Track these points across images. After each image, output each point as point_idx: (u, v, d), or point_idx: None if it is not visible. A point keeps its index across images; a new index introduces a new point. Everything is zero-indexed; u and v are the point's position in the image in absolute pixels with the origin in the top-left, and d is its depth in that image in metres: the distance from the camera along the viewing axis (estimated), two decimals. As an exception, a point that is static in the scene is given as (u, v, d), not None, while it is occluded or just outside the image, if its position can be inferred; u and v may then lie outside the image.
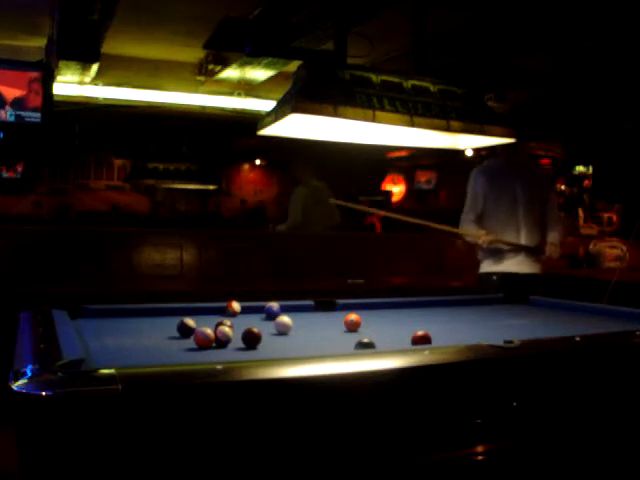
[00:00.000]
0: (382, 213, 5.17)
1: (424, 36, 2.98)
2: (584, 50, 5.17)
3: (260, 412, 1.35)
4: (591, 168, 9.73)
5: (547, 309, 2.95)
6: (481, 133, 2.75)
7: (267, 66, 5.54)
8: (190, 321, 2.08)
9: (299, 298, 2.79)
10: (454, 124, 2.66)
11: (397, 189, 12.09)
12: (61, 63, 5.23)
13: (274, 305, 2.56)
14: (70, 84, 6.06)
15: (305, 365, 1.49)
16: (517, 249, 3.91)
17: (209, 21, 4.95)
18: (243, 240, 5.62)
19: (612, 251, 6.37)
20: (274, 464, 1.36)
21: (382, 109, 2.53)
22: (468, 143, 3.12)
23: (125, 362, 1.52)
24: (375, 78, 2.63)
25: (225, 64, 5.74)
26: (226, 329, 1.96)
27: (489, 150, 3.91)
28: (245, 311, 2.59)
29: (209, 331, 1.94)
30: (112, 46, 5.41)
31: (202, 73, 6.10)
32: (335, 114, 2.46)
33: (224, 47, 5.32)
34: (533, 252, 3.94)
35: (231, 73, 5.87)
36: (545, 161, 10.10)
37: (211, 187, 10.09)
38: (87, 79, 5.98)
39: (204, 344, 1.91)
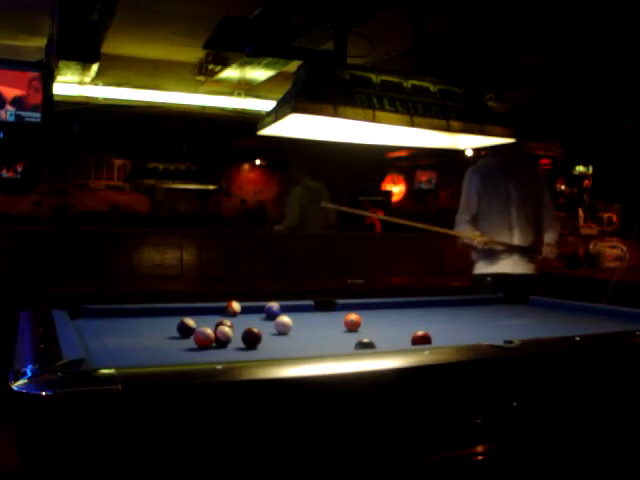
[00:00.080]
0: (369, 214, 5.16)
1: (424, 36, 2.98)
2: (584, 50, 5.17)
3: (260, 412, 1.35)
4: (591, 168, 9.74)
5: (547, 309, 2.95)
6: (481, 133, 2.75)
7: (267, 66, 5.54)
8: (190, 321, 2.08)
9: (299, 298, 2.79)
10: (454, 124, 2.66)
11: (397, 189, 12.09)
12: (61, 63, 5.23)
13: (274, 305, 2.56)
14: (70, 84, 6.06)
15: (305, 365, 1.49)
16: (511, 250, 3.89)
17: (209, 21, 4.95)
18: (243, 240, 5.62)
19: (612, 251, 6.37)
20: (274, 464, 1.37)
21: (382, 109, 2.53)
22: (468, 143, 3.12)
23: (125, 362, 1.52)
24: (375, 78, 2.63)
25: (225, 64, 5.74)
26: (226, 329, 1.96)
27: (489, 150, 3.89)
28: (245, 311, 2.59)
29: (209, 331, 1.94)
30: (112, 46, 5.42)
31: (202, 73, 6.10)
32: (335, 114, 2.46)
33: (224, 47, 5.32)
34: (528, 252, 3.92)
35: (231, 73, 5.87)
36: (545, 161, 10.10)
37: (211, 187, 10.10)
38: (87, 79, 5.98)
39: (204, 344, 1.91)
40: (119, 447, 1.22)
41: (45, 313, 2.13)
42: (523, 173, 4.04)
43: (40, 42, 5.08)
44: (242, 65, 5.58)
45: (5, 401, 1.23)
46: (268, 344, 1.97)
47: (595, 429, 1.77)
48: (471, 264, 4.06)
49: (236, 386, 1.37)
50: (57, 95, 5.17)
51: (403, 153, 10.45)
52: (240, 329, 1.96)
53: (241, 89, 6.59)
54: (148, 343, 2.03)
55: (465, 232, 3.96)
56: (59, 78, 5.61)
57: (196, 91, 6.68)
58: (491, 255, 3.92)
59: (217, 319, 2.13)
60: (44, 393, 1.21)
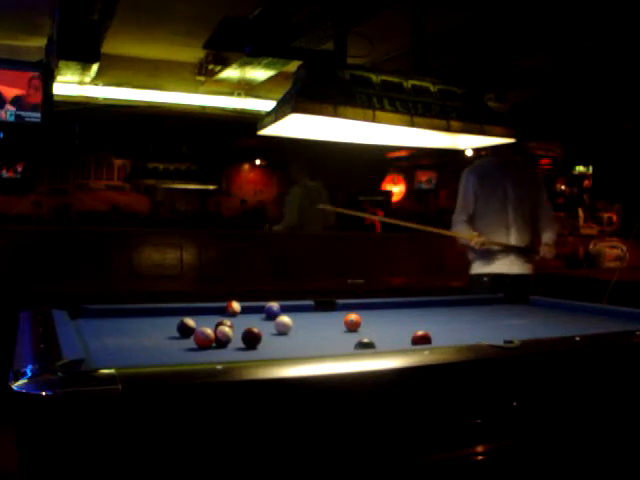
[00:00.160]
0: (366, 215, 5.16)
1: (424, 36, 2.98)
2: (584, 50, 5.17)
3: (260, 412, 1.35)
4: (591, 168, 9.74)
5: (547, 309, 2.95)
6: (481, 133, 2.75)
7: (267, 66, 5.54)
8: (190, 321, 2.08)
9: (299, 298, 2.79)
10: (454, 124, 2.66)
11: (397, 189, 12.09)
12: (61, 63, 5.23)
13: (274, 305, 2.56)
14: (70, 84, 6.06)
15: (305, 365, 1.49)
16: (508, 250, 3.88)
17: (209, 21, 4.95)
18: (243, 240, 5.62)
19: (612, 251, 6.37)
20: (274, 464, 1.37)
21: (382, 109, 2.53)
22: (468, 143, 3.12)
23: (125, 362, 1.52)
24: (375, 78, 2.63)
25: (225, 64, 5.74)
26: (226, 329, 1.96)
27: (489, 150, 3.89)
28: (245, 311, 2.59)
29: (209, 331, 1.94)
30: (112, 46, 5.42)
31: (202, 73, 6.11)
32: (335, 114, 2.46)
33: (224, 47, 5.32)
34: (525, 253, 3.90)
35: (231, 73, 5.87)
36: (545, 161, 10.11)
37: (211, 187, 10.10)
38: (87, 79, 5.98)
39: (204, 344, 1.91)
40: (119, 447, 1.22)
41: (45, 313, 2.13)
42: (520, 173, 4.02)
43: (40, 42, 5.09)
44: (242, 65, 5.58)
45: (5, 401, 1.23)
46: (268, 344, 1.97)
47: (595, 429, 1.77)
48: (468, 264, 4.05)
49: (236, 386, 1.37)
50: (57, 95, 5.18)
51: (403, 153, 10.45)
52: (240, 329, 1.96)
53: (241, 89, 6.60)
54: (148, 343, 2.02)
55: (462, 232, 3.94)
56: (59, 78, 5.61)
57: (196, 91, 6.69)
58: (488, 255, 3.90)
59: (217, 319, 2.13)
60: (44, 393, 1.21)
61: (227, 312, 2.54)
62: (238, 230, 8.34)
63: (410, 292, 4.34)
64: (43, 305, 2.24)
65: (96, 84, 6.30)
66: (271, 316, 2.44)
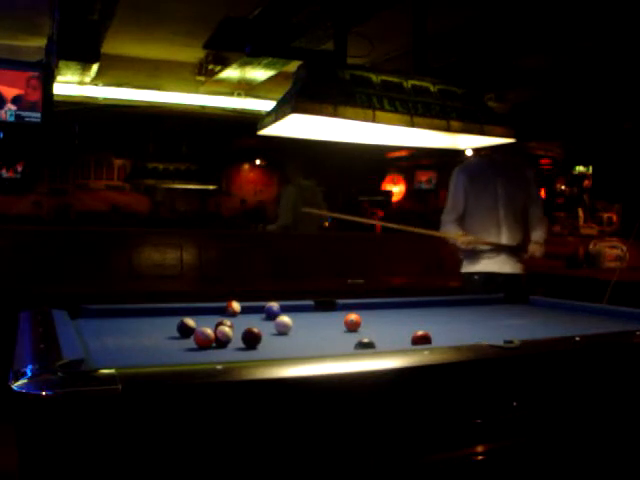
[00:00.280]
0: (346, 217, 5.16)
1: (424, 36, 2.98)
2: (584, 50, 5.17)
3: (260, 412, 1.35)
4: (591, 168, 9.74)
5: (547, 309, 2.95)
6: (481, 133, 2.75)
7: (267, 66, 5.54)
8: (190, 321, 2.08)
9: (299, 298, 2.79)
10: (454, 124, 2.66)
11: (397, 189, 12.10)
12: (61, 63, 5.24)
13: (274, 305, 2.56)
14: (70, 84, 6.06)
15: (305, 365, 1.49)
16: (499, 249, 3.85)
17: (209, 21, 4.96)
18: (243, 240, 5.62)
19: (612, 251, 6.37)
20: (274, 464, 1.37)
21: (382, 109, 2.53)
22: (468, 143, 3.12)
23: (125, 362, 1.52)
24: (375, 78, 2.63)
25: (225, 64, 5.74)
26: (226, 329, 1.96)
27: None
28: (245, 311, 2.58)
29: (209, 331, 1.93)
30: (112, 46, 5.42)
31: (202, 73, 6.11)
32: (335, 114, 2.46)
33: (224, 47, 5.32)
34: (514, 251, 3.86)
35: (231, 73, 5.87)
36: (545, 161, 10.11)
37: (211, 187, 10.11)
38: (87, 79, 5.99)
39: (204, 344, 1.91)
40: (119, 447, 1.22)
41: (45, 313, 2.13)
42: (511, 171, 3.98)
43: (40, 42, 5.09)
44: (242, 65, 5.58)
45: (5, 401, 1.23)
46: (268, 344, 1.97)
47: (595, 429, 1.77)
48: (459, 262, 4.02)
49: (236, 386, 1.37)
50: (57, 95, 5.18)
51: (403, 153, 10.45)
52: (240, 329, 1.96)
53: (241, 89, 6.60)
54: (148, 343, 2.02)
55: (449, 232, 3.91)
56: (59, 78, 5.62)
57: (196, 91, 6.69)
58: (479, 254, 3.86)
59: (217, 319, 2.13)
60: (44, 393, 1.21)
61: (227, 312, 2.54)
62: (238, 230, 8.34)
63: (410, 292, 4.34)
64: (43, 305, 2.24)
65: (96, 84, 6.30)
66: (271, 316, 2.44)
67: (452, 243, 3.95)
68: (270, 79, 5.96)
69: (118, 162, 10.80)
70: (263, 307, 2.58)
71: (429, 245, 5.77)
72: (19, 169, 9.66)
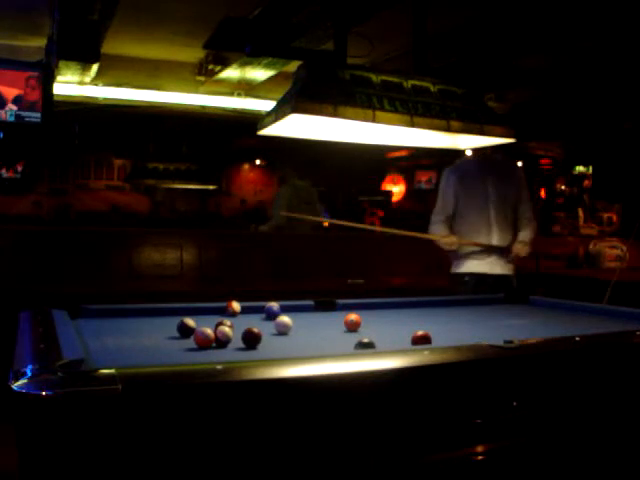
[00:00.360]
0: (336, 222, 5.16)
1: (424, 36, 2.98)
2: (584, 50, 5.17)
3: (260, 412, 1.35)
4: (591, 168, 9.75)
5: (547, 309, 2.95)
6: (481, 133, 2.75)
7: (267, 66, 5.54)
8: (190, 321, 2.08)
9: (299, 298, 2.79)
10: (454, 124, 2.66)
11: (397, 189, 12.10)
12: (61, 63, 5.24)
13: (274, 305, 2.56)
14: (70, 84, 6.06)
15: (305, 365, 1.49)
16: (488, 249, 3.80)
17: (209, 21, 4.96)
18: (243, 240, 5.62)
19: (612, 251, 6.37)
20: (274, 464, 1.37)
21: (382, 109, 2.53)
22: (468, 143, 3.12)
23: (125, 362, 1.52)
24: (375, 78, 2.63)
25: (225, 64, 5.74)
26: (226, 329, 1.96)
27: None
28: (245, 311, 2.58)
29: (209, 331, 1.93)
30: (112, 46, 5.42)
31: (202, 73, 6.11)
32: (335, 114, 2.46)
33: (224, 47, 5.33)
34: (500, 252, 3.80)
35: (231, 73, 5.88)
36: (545, 161, 10.11)
37: (211, 187, 10.10)
38: (87, 79, 5.99)
39: (204, 344, 1.91)
40: (119, 447, 1.22)
41: (45, 313, 2.13)
42: (501, 171, 3.93)
43: (40, 42, 5.09)
44: (242, 65, 5.59)
45: (5, 401, 1.23)
46: (268, 344, 1.97)
47: (595, 429, 1.77)
48: (449, 263, 3.99)
49: (236, 386, 1.37)
50: (57, 95, 5.18)
51: (403, 153, 10.45)
52: (240, 329, 1.96)
53: (241, 89, 6.60)
54: (148, 343, 2.02)
55: (435, 232, 3.88)
56: (59, 78, 5.62)
57: (196, 91, 6.69)
58: (469, 255, 3.83)
59: (217, 319, 2.13)
60: (44, 393, 1.21)
61: (227, 312, 2.54)
62: (238, 230, 8.34)
63: (410, 292, 4.34)
64: (43, 305, 2.24)
65: (96, 84, 6.30)
66: (271, 316, 2.44)
67: (437, 244, 3.91)
68: (270, 79, 5.96)
69: (118, 162, 10.80)
70: (263, 307, 2.58)
71: (429, 245, 5.76)
72: (19, 169, 9.66)
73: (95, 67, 5.55)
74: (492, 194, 3.82)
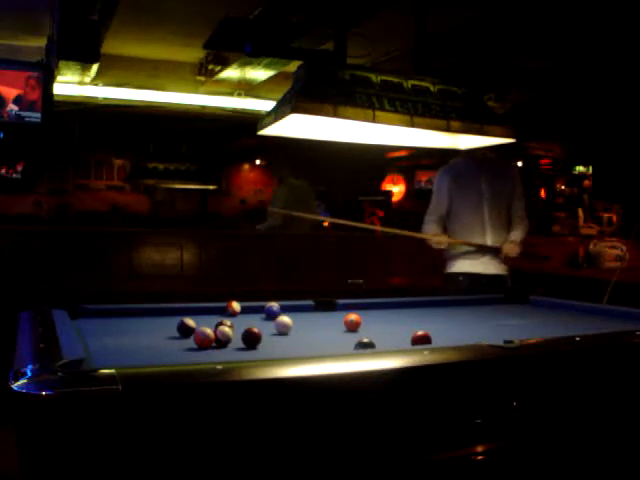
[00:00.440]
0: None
1: (424, 36, 2.98)
2: (584, 50, 5.17)
3: (260, 412, 1.35)
4: (591, 168, 9.75)
5: (547, 309, 2.95)
6: (481, 133, 2.75)
7: (267, 66, 5.54)
8: (190, 321, 2.08)
9: (299, 298, 2.79)
10: (454, 124, 2.66)
11: (397, 189, 12.10)
12: (61, 63, 5.24)
13: (274, 305, 2.56)
14: (70, 84, 6.07)
15: (305, 365, 1.49)
16: (482, 249, 3.76)
17: (209, 21, 4.96)
18: (243, 240, 5.62)
19: (612, 251, 6.37)
20: (274, 464, 1.36)
21: (382, 109, 2.53)
22: (468, 143, 3.11)
23: (125, 362, 1.52)
24: (375, 78, 2.63)
25: (225, 64, 5.75)
26: (226, 329, 1.96)
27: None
28: (245, 311, 2.58)
29: (209, 331, 1.93)
30: (112, 46, 5.42)
31: (202, 73, 6.11)
32: (335, 114, 2.46)
33: (224, 47, 5.33)
34: (491, 252, 3.77)
35: (231, 73, 5.88)
36: (545, 161, 10.12)
37: (211, 187, 10.10)
38: (87, 79, 5.99)
39: (204, 344, 1.91)
40: (119, 447, 1.22)
41: (45, 313, 2.13)
42: (496, 170, 3.90)
43: (40, 42, 5.09)
44: (242, 65, 5.59)
45: (5, 401, 1.23)
46: (268, 344, 1.97)
47: (595, 429, 1.77)
48: (443, 262, 3.97)
49: (236, 386, 1.37)
50: (57, 95, 5.18)
51: (403, 153, 10.45)
52: (240, 329, 1.96)
53: (241, 89, 6.60)
54: (148, 343, 2.02)
55: (426, 232, 3.86)
56: (59, 78, 5.62)
57: (196, 91, 6.69)
58: (463, 255, 3.80)
59: (217, 319, 2.13)
60: (44, 393, 1.21)
61: (227, 312, 2.54)
62: (238, 230, 8.34)
63: (410, 292, 4.34)
64: (43, 305, 2.24)
65: (96, 84, 6.30)
66: (271, 316, 2.44)
67: (428, 243, 3.89)
68: (270, 79, 5.96)
69: (118, 162, 10.80)
70: (263, 307, 2.58)
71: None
72: (19, 169, 9.66)
73: (95, 67, 5.55)
74: (486, 194, 3.80)
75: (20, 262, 4.52)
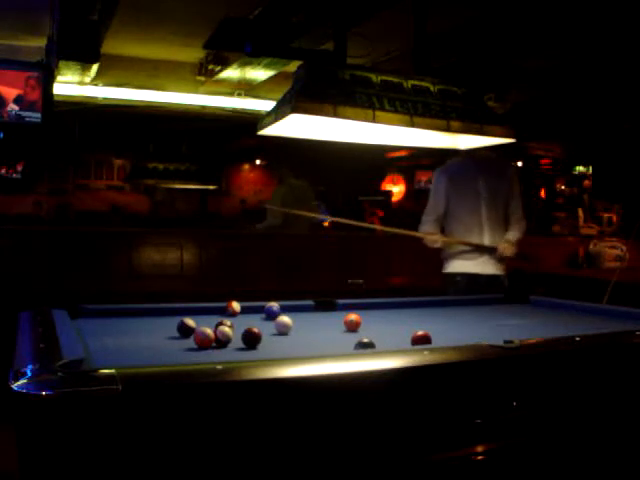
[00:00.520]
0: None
1: (424, 36, 2.98)
2: (584, 50, 5.17)
3: (260, 412, 1.35)
4: (591, 168, 9.75)
5: (547, 309, 2.95)
6: (481, 133, 2.75)
7: (267, 66, 5.54)
8: (190, 321, 2.08)
9: (299, 298, 2.79)
10: (454, 124, 2.66)
11: (397, 189, 12.10)
12: (61, 63, 5.24)
13: (274, 305, 2.56)
14: (70, 84, 6.06)
15: (305, 365, 1.49)
16: (480, 249, 3.74)
17: (209, 21, 4.96)
18: (243, 240, 5.62)
19: (612, 251, 6.37)
20: (274, 464, 1.37)
21: (382, 109, 2.53)
22: (468, 143, 3.11)
23: (125, 362, 1.52)
24: (375, 78, 2.63)
25: (225, 64, 5.74)
26: (226, 329, 1.96)
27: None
28: (245, 311, 2.58)
29: (209, 331, 1.94)
30: (112, 46, 5.42)
31: (202, 73, 6.11)
32: (335, 114, 2.46)
33: (224, 47, 5.33)
34: (487, 252, 3.75)
35: (231, 73, 5.87)
36: (545, 161, 10.12)
37: (211, 187, 10.10)
38: (87, 79, 5.99)
39: (204, 344, 1.91)
40: (119, 447, 1.22)
41: (45, 313, 2.13)
42: (493, 169, 3.89)
43: (40, 42, 5.09)
44: (242, 65, 5.59)
45: (5, 401, 1.23)
46: (268, 344, 1.97)
47: (595, 429, 1.77)
48: (441, 263, 3.97)
49: (236, 386, 1.37)
50: (57, 95, 5.17)
51: (403, 153, 10.45)
52: (240, 329, 1.96)
53: (241, 89, 6.60)
54: (148, 343, 2.02)
55: (422, 231, 3.85)
56: (59, 78, 5.62)
57: (196, 91, 6.69)
58: (460, 254, 3.79)
59: (217, 319, 2.13)
60: (44, 393, 1.21)
61: (227, 312, 2.54)
62: (238, 230, 8.34)
63: (410, 292, 4.34)
64: (43, 305, 2.24)
65: (96, 84, 6.30)
66: (271, 316, 2.45)
67: (424, 242, 3.88)
68: (270, 79, 5.96)
69: (118, 162, 10.80)
70: (263, 307, 2.58)
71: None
72: (19, 169, 9.66)
73: (95, 67, 5.55)
74: (483, 193, 3.78)
75: (20, 262, 4.52)
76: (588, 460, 1.76)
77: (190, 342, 1.96)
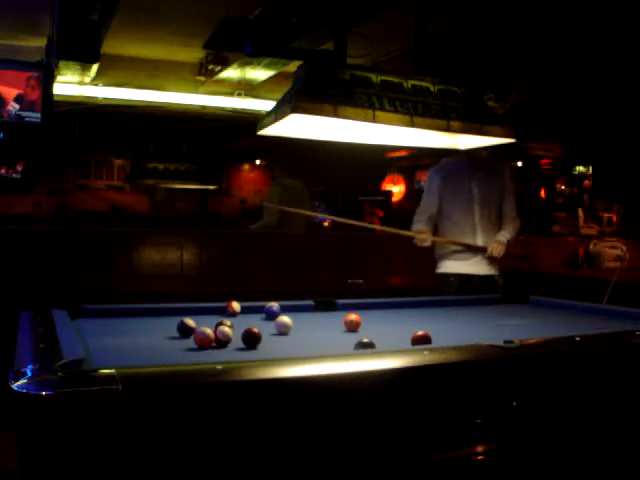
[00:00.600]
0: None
1: (424, 36, 2.98)
2: (584, 50, 5.17)
3: (260, 412, 1.35)
4: (591, 168, 9.75)
5: (547, 309, 2.95)
6: (481, 133, 2.75)
7: (267, 66, 5.54)
8: (190, 321, 2.08)
9: (299, 298, 2.79)
10: (454, 124, 2.66)
11: (397, 189, 12.09)
12: (61, 63, 5.24)
13: (274, 305, 2.56)
14: (70, 84, 6.06)
15: (305, 365, 1.49)
16: (474, 249, 3.73)
17: (209, 21, 4.96)
18: (243, 240, 5.62)
19: (612, 251, 6.37)
20: (274, 464, 1.37)
21: (382, 109, 2.53)
22: (468, 143, 3.11)
23: (125, 362, 1.52)
24: (375, 78, 2.63)
25: (225, 64, 5.74)
26: (226, 329, 1.96)
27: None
28: (245, 311, 2.59)
29: (209, 331, 1.94)
30: (112, 46, 5.42)
31: (202, 73, 6.11)
32: (335, 114, 2.46)
33: (224, 47, 5.33)
34: (478, 251, 3.73)
35: (231, 73, 5.87)
36: (545, 161, 10.11)
37: (211, 187, 10.10)
38: (87, 79, 5.99)
39: (204, 344, 1.91)
40: (119, 447, 1.22)
41: (45, 313, 2.13)
42: (487, 169, 3.87)
43: (40, 42, 5.08)
44: (242, 65, 5.58)
45: (5, 401, 1.23)
46: (268, 344, 1.98)
47: (595, 429, 1.77)
48: (434, 263, 3.96)
49: (236, 386, 1.37)
50: (57, 95, 5.17)
51: (403, 153, 10.45)
52: (240, 329, 1.96)
53: (241, 89, 6.60)
54: (148, 343, 2.03)
55: (413, 231, 3.84)
56: (59, 78, 5.61)
57: (196, 91, 6.69)
58: (454, 255, 3.79)
59: (217, 319, 2.13)
60: (44, 393, 1.21)
61: (227, 312, 2.54)
62: (238, 230, 8.33)
63: (410, 292, 4.33)
64: (43, 305, 2.24)
65: (96, 84, 6.30)
66: (271, 316, 2.45)
67: (414, 242, 3.87)
68: (270, 79, 5.96)
69: (118, 162, 10.80)
70: (263, 307, 2.58)
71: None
72: (19, 169, 9.66)
73: (95, 67, 5.54)
74: (477, 194, 3.77)
75: (20, 262, 4.52)
76: (588, 460, 1.76)
77: (190, 342, 1.96)
